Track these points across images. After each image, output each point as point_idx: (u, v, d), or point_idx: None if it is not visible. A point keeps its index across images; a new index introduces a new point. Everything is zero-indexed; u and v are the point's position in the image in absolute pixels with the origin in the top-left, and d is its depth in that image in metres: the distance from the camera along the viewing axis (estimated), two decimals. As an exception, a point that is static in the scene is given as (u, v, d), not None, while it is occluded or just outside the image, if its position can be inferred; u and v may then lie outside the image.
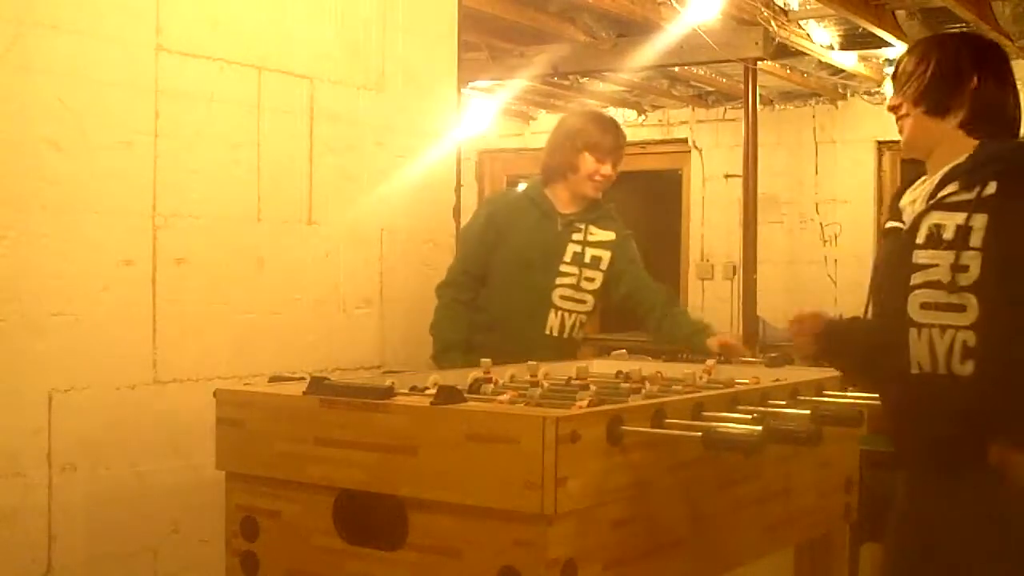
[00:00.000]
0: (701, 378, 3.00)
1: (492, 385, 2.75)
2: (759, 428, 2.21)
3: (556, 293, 3.58)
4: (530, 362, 2.90)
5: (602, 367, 3.25)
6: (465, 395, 2.39)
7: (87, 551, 3.00)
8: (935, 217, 2.23)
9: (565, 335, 3.59)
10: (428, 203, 4.00)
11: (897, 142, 9.10)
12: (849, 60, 6.85)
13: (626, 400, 2.52)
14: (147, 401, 3.12)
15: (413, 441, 2.22)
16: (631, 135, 9.12)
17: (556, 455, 2.06)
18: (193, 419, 3.11)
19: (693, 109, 8.70)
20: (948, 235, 2.20)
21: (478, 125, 7.94)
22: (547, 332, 3.56)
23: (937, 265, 2.20)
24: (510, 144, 9.33)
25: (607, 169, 3.61)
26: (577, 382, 2.80)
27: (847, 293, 8.21)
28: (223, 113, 3.30)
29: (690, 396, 2.62)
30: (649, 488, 2.35)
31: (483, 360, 2.90)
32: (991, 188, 2.19)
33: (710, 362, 3.18)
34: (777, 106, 8.43)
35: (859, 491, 3.07)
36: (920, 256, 2.23)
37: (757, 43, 6.07)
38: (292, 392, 2.49)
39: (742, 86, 6.59)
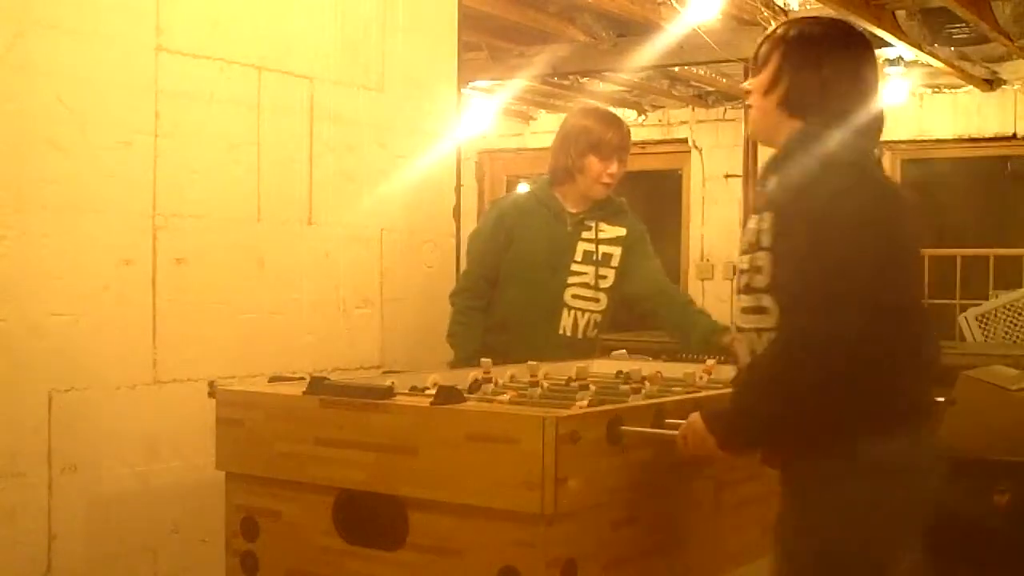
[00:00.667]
0: (701, 378, 3.00)
1: (492, 385, 2.75)
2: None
3: (568, 292, 3.54)
4: (530, 362, 2.90)
5: (602, 367, 3.25)
6: (465, 395, 2.39)
7: (87, 551, 3.00)
8: (752, 219, 2.21)
9: (579, 335, 3.55)
10: (428, 203, 4.00)
11: (897, 142, 9.13)
12: (849, 60, 6.83)
13: (626, 400, 2.52)
14: (147, 401, 3.12)
15: (413, 441, 2.22)
16: (631, 135, 9.17)
17: (556, 455, 2.06)
18: (193, 419, 3.11)
19: (693, 109, 8.70)
20: (750, 237, 2.18)
21: (478, 125, 7.94)
22: (560, 332, 3.52)
23: (746, 268, 2.18)
24: (510, 144, 9.32)
25: (614, 168, 3.56)
26: (577, 382, 2.80)
27: (847, 293, 8.20)
28: (223, 113, 3.30)
29: (690, 396, 2.62)
30: (649, 488, 2.35)
31: (483, 360, 2.90)
32: (772, 183, 2.17)
33: (710, 362, 3.18)
34: (777, 106, 8.42)
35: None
36: (740, 260, 2.23)
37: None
38: (292, 392, 2.49)
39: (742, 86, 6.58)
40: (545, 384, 2.82)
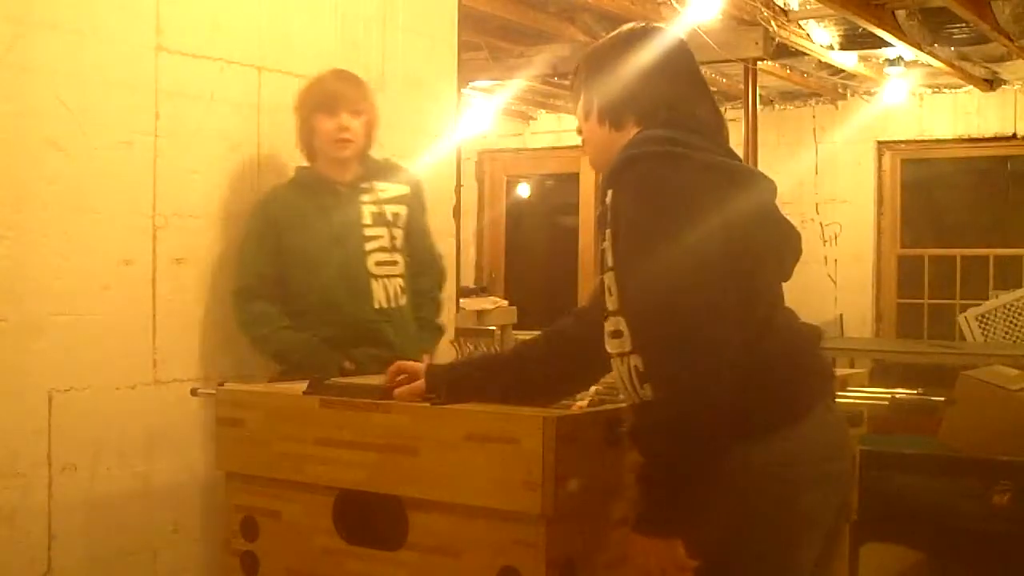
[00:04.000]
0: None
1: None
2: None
3: (371, 260, 3.25)
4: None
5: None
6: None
7: (87, 551, 3.00)
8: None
9: (393, 304, 3.26)
10: (428, 203, 4.00)
11: (898, 142, 9.15)
12: (849, 60, 6.85)
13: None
14: (147, 401, 3.12)
15: (413, 441, 2.22)
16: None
17: (556, 455, 2.06)
18: (193, 419, 3.11)
19: (693, 109, 8.69)
20: (600, 258, 2.07)
21: (478, 125, 7.94)
22: (377, 307, 3.23)
23: (600, 292, 2.10)
24: (510, 144, 9.33)
25: (347, 120, 3.20)
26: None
27: (847, 293, 8.22)
28: (223, 113, 3.30)
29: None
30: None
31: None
32: (608, 198, 2.03)
33: None
34: (777, 106, 8.43)
35: (859, 491, 3.06)
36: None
37: (757, 43, 6.08)
38: (292, 392, 2.49)
39: (742, 86, 6.59)
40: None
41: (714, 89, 8.10)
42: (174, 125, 3.17)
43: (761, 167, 6.65)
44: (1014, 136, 7.85)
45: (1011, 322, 7.56)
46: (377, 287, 3.25)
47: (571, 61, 6.60)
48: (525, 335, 6.44)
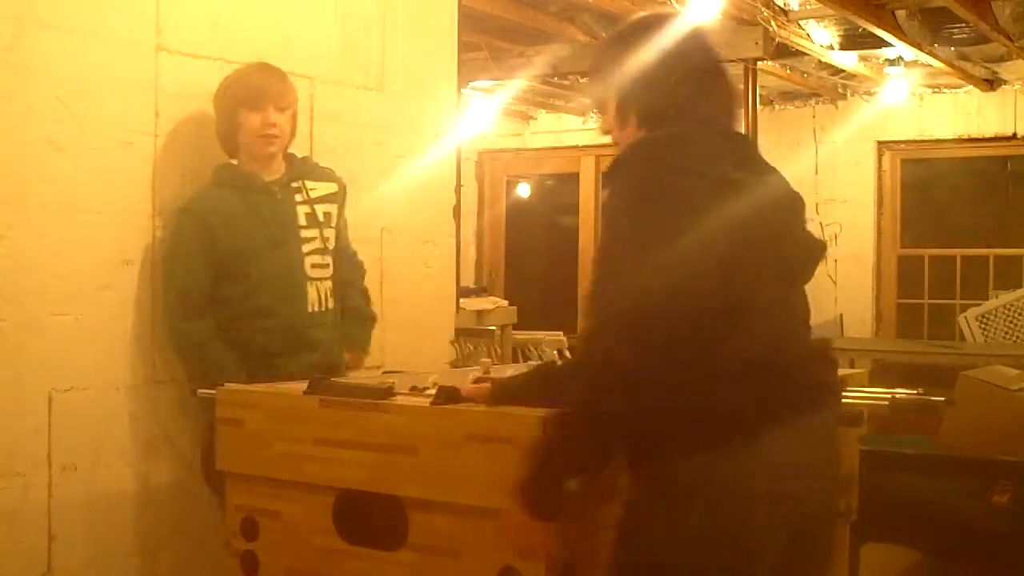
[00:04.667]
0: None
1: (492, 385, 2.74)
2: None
3: (308, 263, 3.14)
4: (530, 362, 2.89)
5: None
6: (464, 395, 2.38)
7: (87, 551, 3.00)
8: None
9: (323, 308, 3.16)
10: (428, 203, 4.00)
11: (898, 142, 9.11)
12: (849, 60, 6.85)
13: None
14: (147, 401, 3.12)
15: (413, 441, 2.22)
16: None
17: (556, 455, 2.06)
18: (193, 419, 3.11)
19: (693, 109, 8.69)
20: None
21: (478, 125, 7.94)
22: (310, 310, 3.12)
23: None
24: (510, 144, 9.32)
25: (273, 116, 3.08)
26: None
27: (847, 293, 8.21)
28: (223, 113, 3.29)
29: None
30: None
31: (483, 360, 2.89)
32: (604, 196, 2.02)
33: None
34: (777, 106, 8.43)
35: (859, 491, 3.06)
36: None
37: (757, 43, 6.07)
38: (292, 392, 2.49)
39: (742, 86, 6.58)
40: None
41: (714, 89, 8.12)
42: (174, 125, 3.17)
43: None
44: (1014, 136, 7.85)
45: (1011, 322, 7.56)
46: (312, 290, 3.15)
47: (571, 61, 6.61)
48: (525, 335, 6.45)
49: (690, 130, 2.04)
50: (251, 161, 3.13)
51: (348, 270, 3.33)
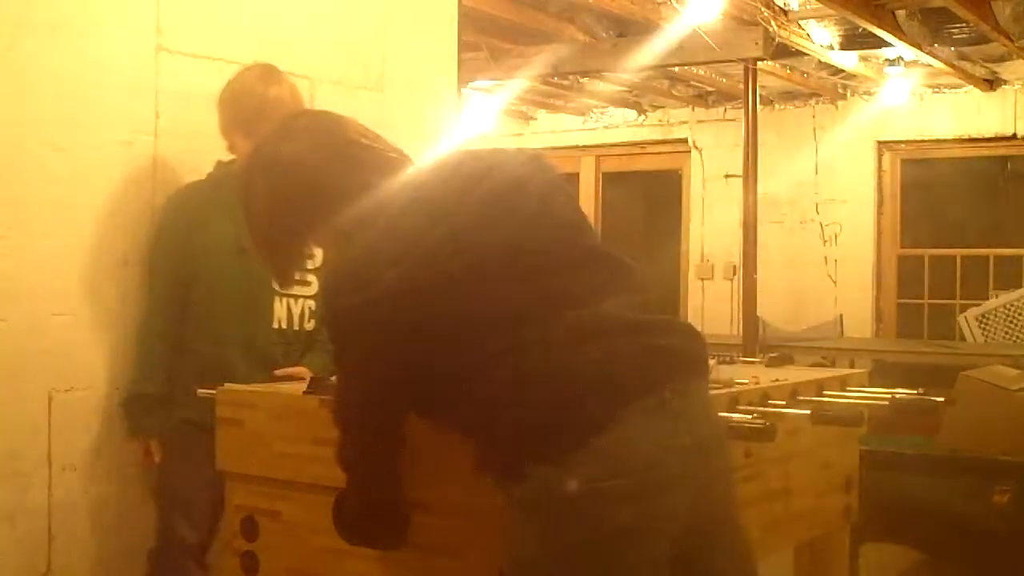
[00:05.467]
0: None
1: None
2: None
3: None
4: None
5: None
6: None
7: (87, 551, 3.00)
8: None
9: (296, 327, 3.01)
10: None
11: (898, 142, 9.09)
12: (849, 60, 6.85)
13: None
14: (147, 401, 3.12)
15: (412, 441, 2.22)
16: (631, 135, 9.21)
17: (556, 455, 2.06)
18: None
19: (693, 109, 8.70)
20: None
21: (478, 125, 7.95)
22: (276, 326, 2.99)
23: None
24: (510, 144, 9.33)
25: None
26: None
27: (847, 293, 8.22)
28: (223, 113, 3.29)
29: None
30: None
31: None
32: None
33: (711, 362, 3.16)
34: (777, 106, 8.44)
35: (859, 491, 3.06)
36: None
37: (757, 43, 6.08)
38: (292, 392, 2.49)
39: (742, 86, 6.59)
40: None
41: (713, 89, 8.12)
42: (174, 125, 3.17)
43: (761, 167, 6.70)
44: (1014, 136, 7.85)
45: (1011, 322, 7.57)
46: (280, 306, 2.99)
47: (571, 61, 6.62)
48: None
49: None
50: None
51: None
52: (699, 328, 2.17)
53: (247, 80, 3.03)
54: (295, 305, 3.01)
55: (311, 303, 3.02)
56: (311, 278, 2.99)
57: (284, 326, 3.00)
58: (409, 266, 1.85)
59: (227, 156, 3.07)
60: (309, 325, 3.03)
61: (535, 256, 1.90)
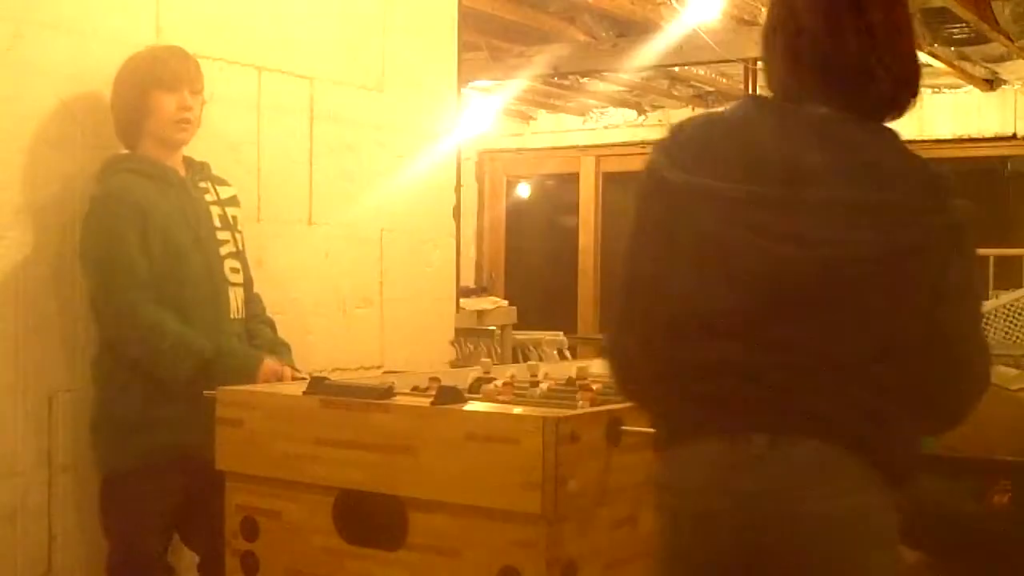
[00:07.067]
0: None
1: (492, 385, 2.74)
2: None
3: (227, 266, 2.94)
4: (530, 362, 2.89)
5: (603, 367, 3.25)
6: (465, 395, 2.39)
7: (87, 551, 2.99)
8: None
9: (240, 316, 2.97)
10: (428, 203, 4.00)
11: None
12: (849, 60, 6.84)
13: (626, 400, 2.51)
14: (147, 401, 3.12)
15: (413, 441, 2.22)
16: (631, 135, 9.21)
17: (556, 455, 2.06)
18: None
19: (693, 109, 8.68)
20: None
21: (478, 125, 7.94)
22: (232, 317, 2.93)
23: None
24: (510, 144, 9.32)
25: (190, 100, 2.85)
26: (578, 382, 2.80)
27: (847, 293, 8.21)
28: (223, 113, 3.29)
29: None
30: (649, 488, 2.34)
31: (483, 360, 2.90)
32: None
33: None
34: (777, 106, 8.42)
35: (859, 491, 3.06)
36: None
37: (757, 43, 6.06)
38: (292, 392, 2.49)
39: (742, 86, 6.59)
40: (545, 384, 2.82)
41: (713, 89, 8.12)
42: (174, 125, 3.16)
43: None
44: (1014, 136, 7.85)
45: (1011, 322, 7.55)
46: (232, 296, 2.95)
47: (571, 61, 6.62)
48: (525, 335, 6.44)
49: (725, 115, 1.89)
50: (158, 149, 2.87)
51: (254, 302, 3.08)
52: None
53: (152, 48, 2.98)
54: (238, 294, 2.97)
55: (242, 292, 2.98)
56: (238, 265, 2.97)
57: (237, 316, 2.96)
58: None
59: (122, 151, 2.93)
60: (242, 314, 2.98)
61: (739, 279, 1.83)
